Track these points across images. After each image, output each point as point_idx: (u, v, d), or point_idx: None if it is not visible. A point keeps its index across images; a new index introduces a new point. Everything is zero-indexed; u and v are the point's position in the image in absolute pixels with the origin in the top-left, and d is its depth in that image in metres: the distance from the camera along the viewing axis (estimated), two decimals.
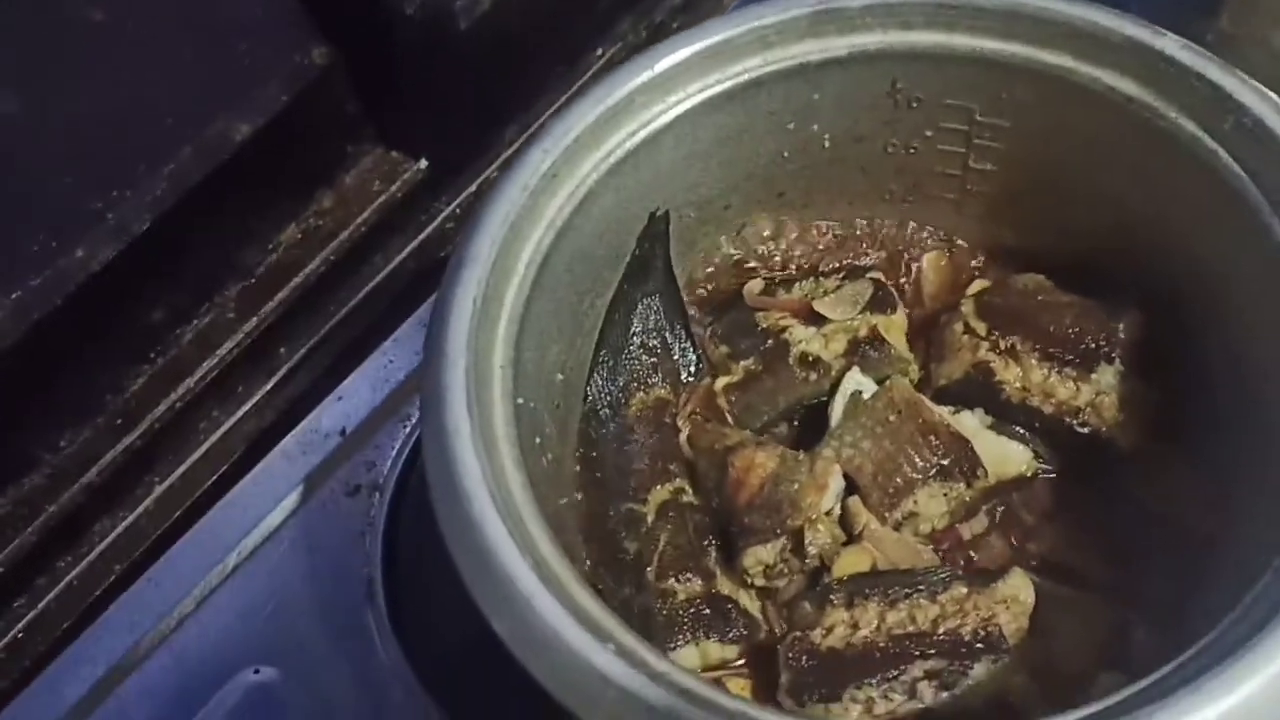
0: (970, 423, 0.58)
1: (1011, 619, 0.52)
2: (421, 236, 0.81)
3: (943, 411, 0.58)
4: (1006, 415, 0.59)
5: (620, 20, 0.88)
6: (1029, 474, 0.58)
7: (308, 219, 0.78)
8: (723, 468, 0.58)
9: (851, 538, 0.57)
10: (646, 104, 0.57)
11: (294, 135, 0.72)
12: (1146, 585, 0.56)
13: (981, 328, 0.60)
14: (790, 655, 0.53)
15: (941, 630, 0.52)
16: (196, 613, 0.64)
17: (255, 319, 0.75)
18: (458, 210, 0.82)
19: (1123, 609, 0.55)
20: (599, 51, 0.87)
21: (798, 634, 0.53)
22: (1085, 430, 0.59)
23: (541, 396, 0.56)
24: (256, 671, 0.62)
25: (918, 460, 0.57)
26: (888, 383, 0.59)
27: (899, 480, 0.56)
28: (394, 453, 0.68)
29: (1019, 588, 0.53)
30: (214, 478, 0.75)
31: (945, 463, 0.57)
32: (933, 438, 0.57)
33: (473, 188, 0.83)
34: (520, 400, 0.52)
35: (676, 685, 0.44)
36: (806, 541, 0.55)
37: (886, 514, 0.57)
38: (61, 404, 0.69)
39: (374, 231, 0.79)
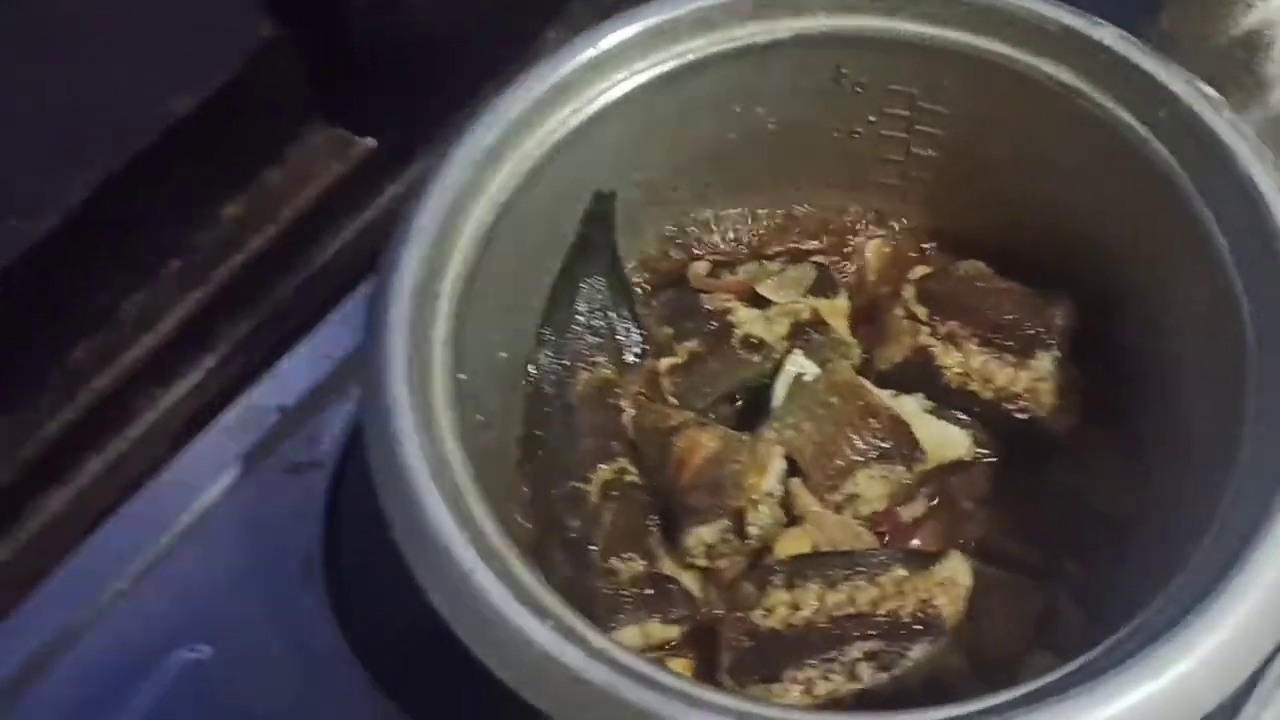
0: (910, 406, 0.59)
1: (949, 601, 0.53)
2: (370, 217, 0.80)
3: (883, 395, 0.58)
4: (946, 400, 0.60)
5: (571, 2, 0.87)
6: (968, 458, 0.59)
7: (253, 196, 0.77)
8: (665, 448, 0.58)
9: (793, 519, 0.57)
10: (591, 81, 0.57)
11: (240, 110, 0.72)
12: (1076, 568, 0.57)
13: (922, 313, 0.61)
14: (731, 636, 0.53)
15: (881, 612, 0.53)
16: (132, 590, 0.63)
17: (197, 295, 0.74)
18: (406, 190, 0.81)
19: (1053, 591, 0.56)
20: (552, 34, 0.86)
21: (738, 615, 0.54)
22: (1024, 416, 0.59)
23: (484, 373, 0.55)
24: (192, 650, 0.61)
25: (858, 443, 0.57)
26: (829, 366, 0.59)
27: (839, 462, 0.57)
28: (336, 431, 0.67)
29: (957, 570, 0.54)
30: (153, 455, 0.73)
31: (886, 446, 0.57)
32: (873, 421, 0.57)
33: (423, 167, 0.81)
34: (463, 376, 0.52)
35: (617, 662, 0.44)
36: (748, 522, 0.55)
37: (827, 495, 0.57)
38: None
39: (321, 210, 0.78)
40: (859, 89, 0.60)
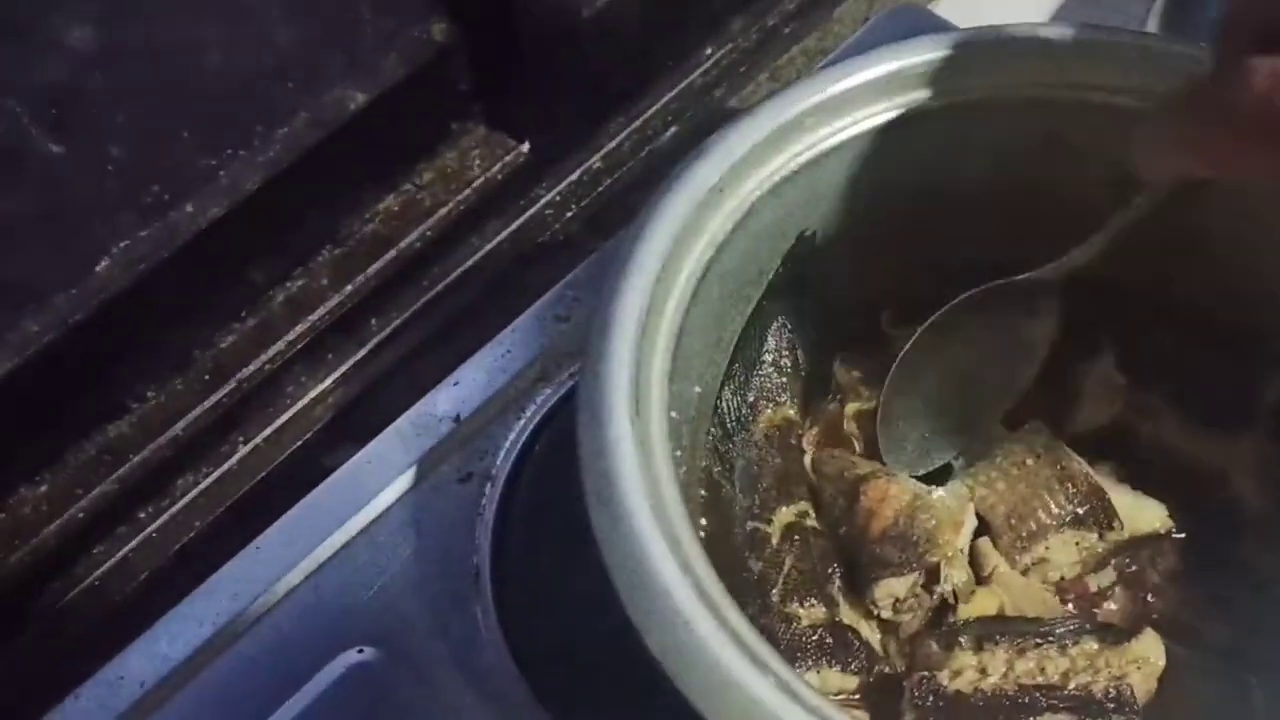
0: (1106, 475, 0.58)
1: (1142, 680, 0.53)
2: (520, 220, 0.81)
3: (1081, 461, 0.58)
4: (1141, 470, 0.59)
5: (732, 21, 0.87)
6: (1162, 531, 0.58)
7: (407, 192, 0.78)
8: (851, 496, 0.58)
9: (980, 579, 0.57)
10: (815, 126, 0.57)
11: (405, 108, 0.72)
12: (1265, 650, 0.56)
13: (1120, 380, 0.60)
14: (916, 694, 0.53)
15: (1072, 685, 0.53)
16: (302, 586, 0.63)
17: (349, 287, 0.75)
18: (557, 197, 0.82)
19: (1244, 676, 0.55)
20: (709, 51, 0.86)
21: (925, 674, 0.53)
22: (1222, 494, 0.59)
23: (682, 409, 0.55)
24: (360, 651, 0.61)
25: (1053, 506, 0.57)
26: (1027, 425, 0.59)
27: (1032, 524, 0.57)
28: (508, 443, 0.67)
29: (1151, 649, 0.53)
30: (299, 442, 0.75)
31: (1081, 511, 0.57)
32: (1070, 485, 0.57)
33: (574, 175, 0.82)
34: (674, 414, 0.52)
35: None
36: (942, 578, 0.55)
37: (1017, 557, 0.57)
38: (152, 355, 0.69)
39: (472, 211, 0.78)
40: (1072, 152, 0.59)
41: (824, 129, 0.57)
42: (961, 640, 0.54)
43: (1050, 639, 0.53)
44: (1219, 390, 0.60)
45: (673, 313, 0.53)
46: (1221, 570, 0.58)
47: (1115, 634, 0.54)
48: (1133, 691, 0.52)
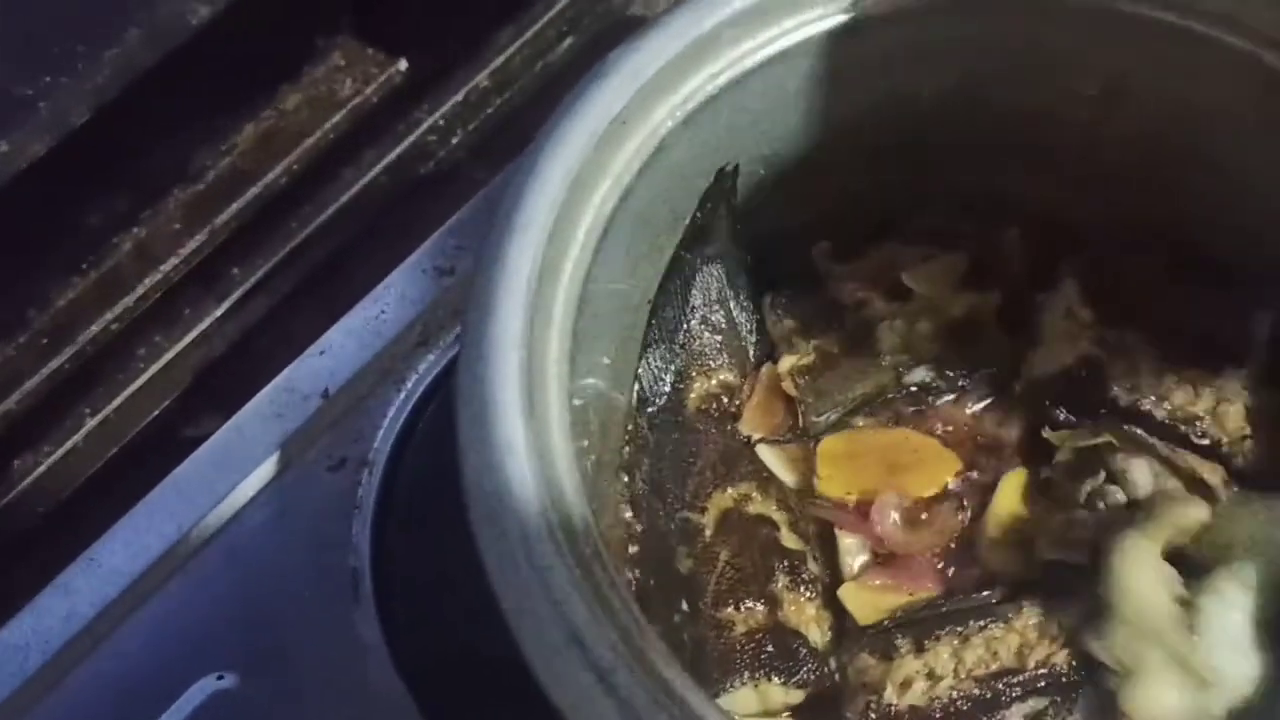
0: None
1: None
2: (398, 149, 0.75)
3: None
4: (1113, 417, 0.52)
5: None
6: None
7: (268, 120, 0.72)
8: None
9: None
10: (735, 40, 0.48)
11: (260, 21, 0.64)
12: None
13: (1086, 315, 0.53)
14: None
15: (1032, 663, 0.47)
16: (147, 604, 0.56)
17: (205, 232, 0.69)
18: (440, 121, 0.76)
19: None
20: None
21: (869, 698, 0.47)
22: (1204, 441, 0.52)
23: (589, 390, 0.47)
24: (220, 678, 0.55)
25: None
26: None
27: None
28: (386, 422, 0.59)
29: None
30: (155, 413, 0.69)
31: None
32: None
33: (459, 96, 0.76)
34: (577, 402, 0.43)
35: None
36: None
37: None
38: None
39: (343, 139, 0.73)
40: (1049, 58, 0.51)
41: (747, 42, 0.48)
42: (899, 644, 0.48)
43: (990, 616, 0.48)
44: (1197, 324, 0.53)
45: (571, 275, 0.45)
46: None
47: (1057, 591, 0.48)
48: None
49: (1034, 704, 0.47)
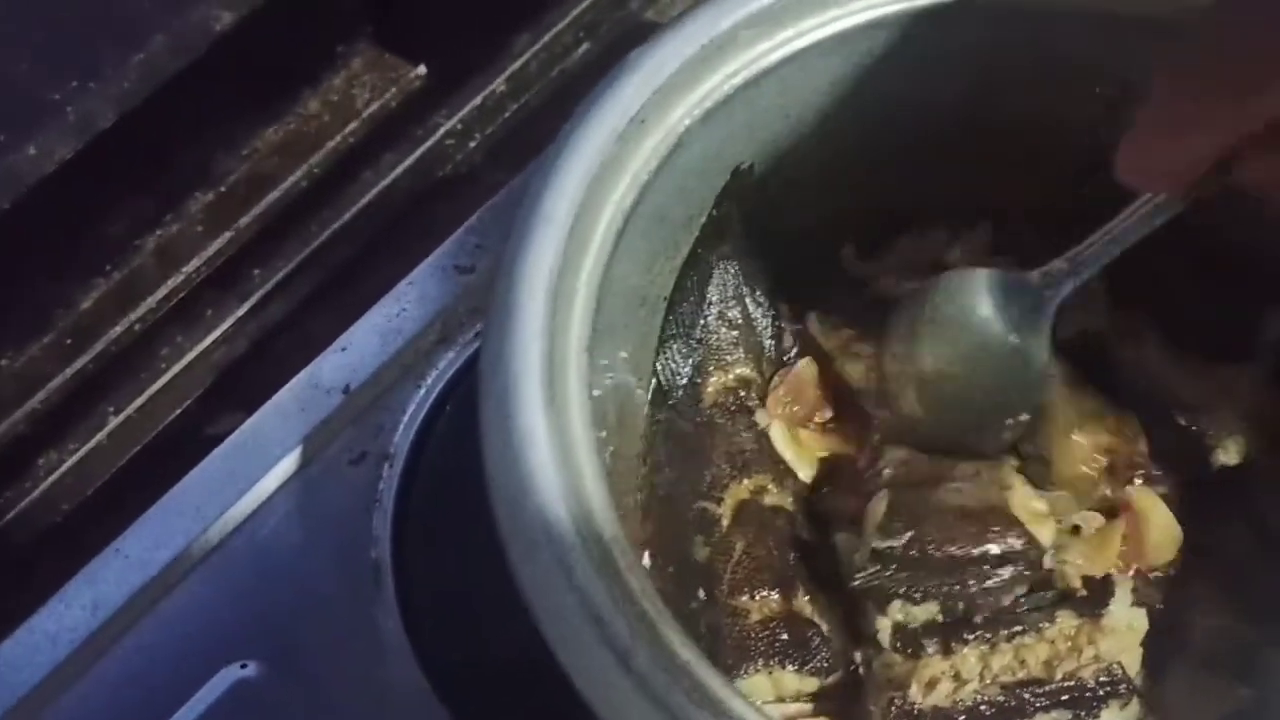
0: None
1: (1126, 648, 0.48)
2: (417, 153, 0.75)
3: None
4: (1114, 395, 0.53)
5: None
6: None
7: (289, 125, 0.72)
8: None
9: None
10: (751, 40, 0.49)
11: (281, 28, 0.65)
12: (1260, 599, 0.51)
13: (1099, 291, 0.54)
14: None
15: (1059, 675, 0.47)
16: (172, 595, 0.56)
17: (226, 234, 0.70)
18: (458, 125, 0.76)
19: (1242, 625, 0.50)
20: None
21: (893, 694, 0.47)
22: (1193, 429, 0.53)
23: (608, 382, 0.48)
24: (243, 666, 0.55)
25: None
26: None
27: None
28: (406, 416, 0.60)
29: (1130, 615, 0.48)
30: (178, 411, 0.68)
31: None
32: None
33: (476, 101, 0.76)
34: (597, 393, 0.44)
35: None
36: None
37: None
38: (3, 318, 0.64)
39: (363, 143, 0.73)
40: (1056, 63, 0.51)
41: (763, 43, 0.49)
42: (925, 644, 0.48)
43: (1023, 625, 0.48)
44: (1210, 313, 0.54)
45: (590, 270, 0.45)
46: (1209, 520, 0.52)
47: (1089, 602, 0.48)
48: (1124, 669, 0.47)
49: (1057, 716, 0.47)
